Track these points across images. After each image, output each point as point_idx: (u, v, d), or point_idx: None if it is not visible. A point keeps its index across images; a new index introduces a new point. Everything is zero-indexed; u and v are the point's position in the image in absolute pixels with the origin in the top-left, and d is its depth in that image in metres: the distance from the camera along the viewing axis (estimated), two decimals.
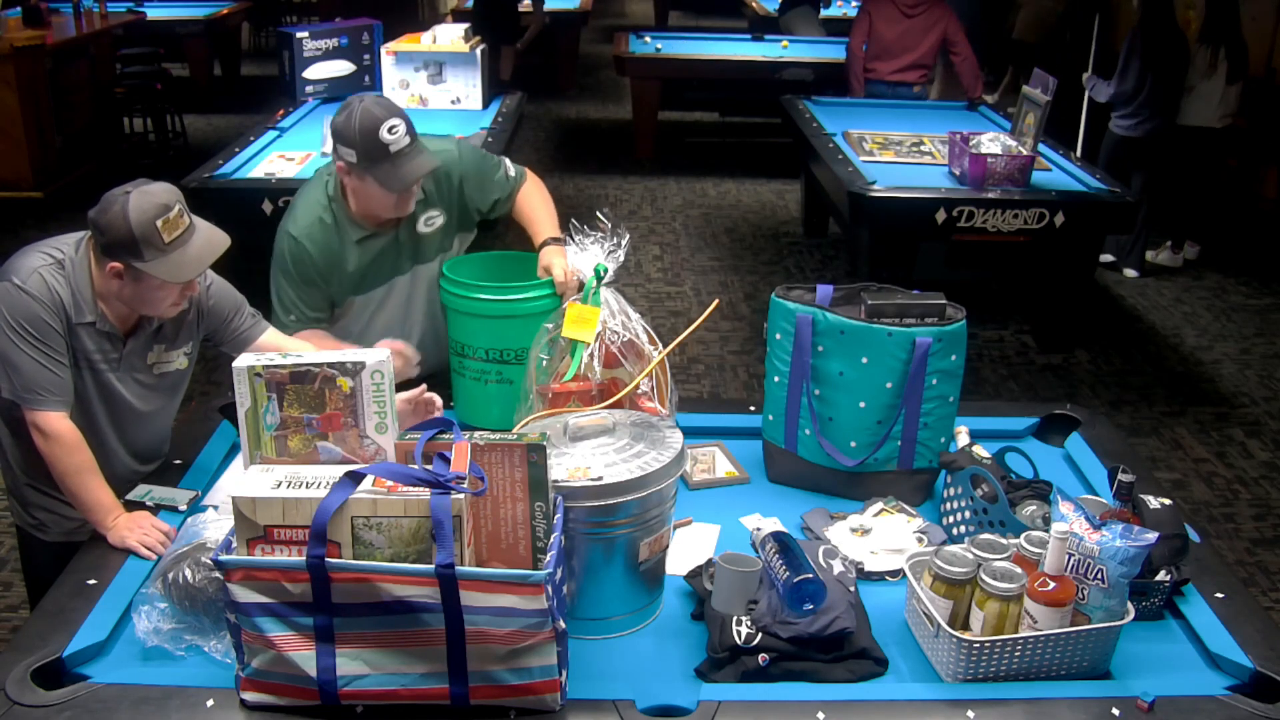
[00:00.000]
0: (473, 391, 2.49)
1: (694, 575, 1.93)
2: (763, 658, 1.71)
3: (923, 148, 5.39)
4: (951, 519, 2.14)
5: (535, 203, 2.77)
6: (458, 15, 8.74)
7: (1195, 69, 6.48)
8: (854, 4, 8.01)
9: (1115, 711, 1.65)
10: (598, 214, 2.42)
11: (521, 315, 2.44)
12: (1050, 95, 4.63)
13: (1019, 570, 1.74)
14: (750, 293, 5.99)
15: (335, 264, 2.58)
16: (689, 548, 2.07)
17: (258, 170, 4.83)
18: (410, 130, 2.44)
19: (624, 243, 2.37)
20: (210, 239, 2.21)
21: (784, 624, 1.73)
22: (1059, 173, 5.14)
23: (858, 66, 6.55)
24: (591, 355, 2.24)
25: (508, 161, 2.82)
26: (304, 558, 1.52)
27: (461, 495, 1.55)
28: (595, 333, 2.24)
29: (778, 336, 2.27)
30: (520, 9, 8.97)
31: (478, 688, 1.58)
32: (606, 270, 2.34)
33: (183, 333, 2.34)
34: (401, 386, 2.09)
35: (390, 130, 2.39)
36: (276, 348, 2.38)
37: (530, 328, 2.40)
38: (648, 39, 8.52)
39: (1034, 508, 2.03)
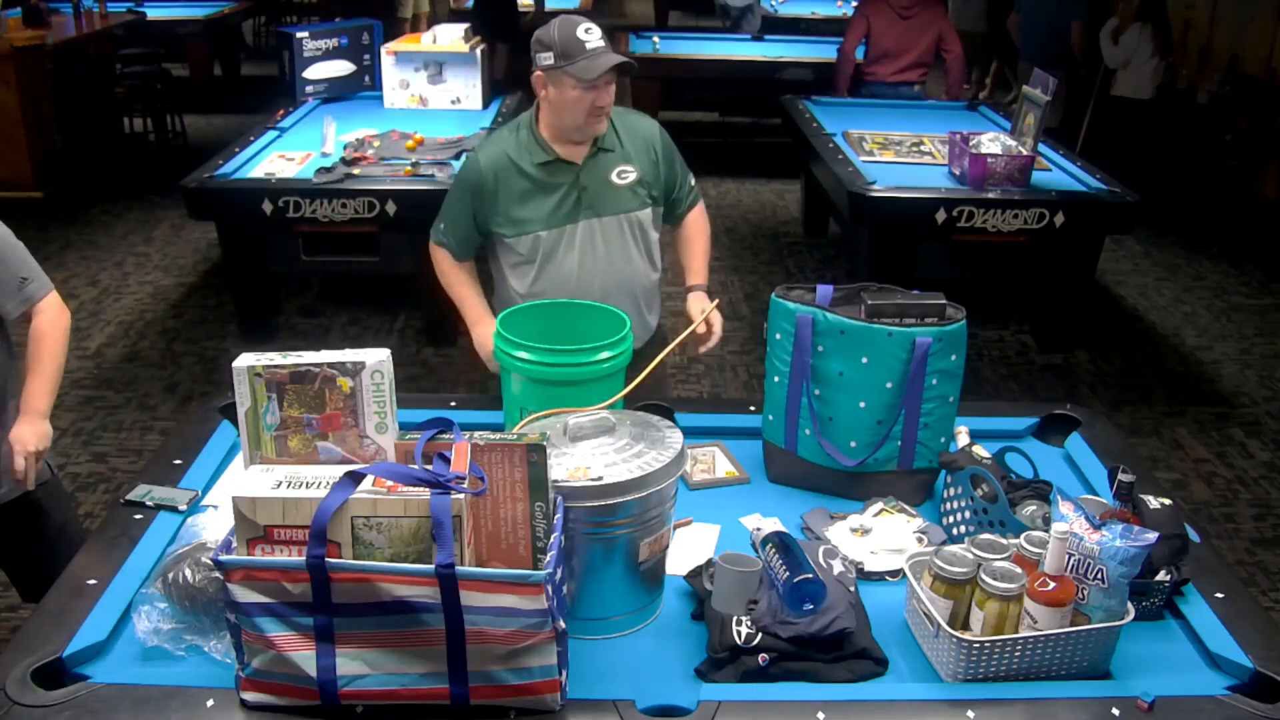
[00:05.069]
0: None
1: (694, 575, 1.93)
2: (763, 658, 1.71)
3: (923, 148, 5.39)
4: (951, 519, 2.14)
5: (702, 239, 2.94)
6: (456, 15, 8.74)
7: (1127, 46, 7.09)
8: (853, 4, 8.02)
9: (1115, 711, 1.64)
10: None
11: (587, 380, 2.20)
12: (1050, 95, 4.63)
13: (1019, 570, 1.74)
14: (750, 293, 5.99)
15: (502, 178, 2.69)
16: (689, 548, 2.07)
17: (258, 170, 4.83)
18: (605, 38, 2.61)
19: None
20: None
21: (784, 624, 1.73)
22: (1059, 173, 5.14)
23: (848, 69, 6.58)
24: None
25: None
26: (304, 558, 1.52)
27: (461, 495, 1.55)
28: None
29: (778, 336, 2.27)
30: (520, 8, 8.97)
31: (478, 688, 1.58)
32: None
33: None
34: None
35: (586, 31, 2.57)
36: (46, 321, 2.49)
37: (596, 393, 2.16)
38: (657, 40, 8.51)
39: (1034, 508, 2.03)
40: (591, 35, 2.58)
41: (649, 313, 2.92)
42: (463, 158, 5.03)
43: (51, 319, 2.51)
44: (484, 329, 2.75)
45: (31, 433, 2.47)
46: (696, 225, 2.95)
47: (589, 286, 2.71)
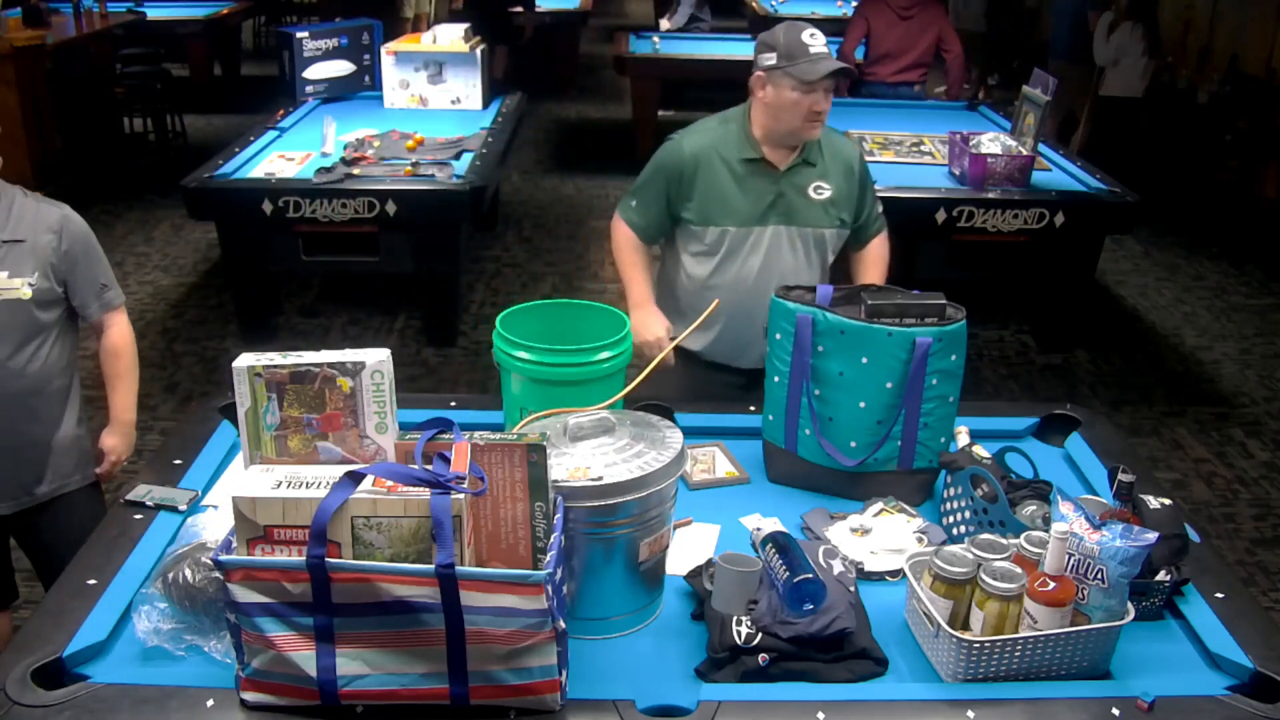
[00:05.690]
0: None
1: (694, 575, 1.93)
2: (763, 658, 1.71)
3: (923, 148, 5.40)
4: (951, 519, 2.14)
5: (880, 263, 2.94)
6: (456, 15, 8.75)
7: (1118, 45, 7.18)
8: (853, 4, 8.03)
9: (1115, 711, 1.64)
10: None
11: (588, 380, 2.18)
12: (1050, 95, 4.63)
13: (1019, 570, 1.74)
14: None
15: (704, 167, 2.73)
16: (689, 548, 2.07)
17: (258, 170, 4.84)
18: (828, 45, 2.66)
19: None
20: None
21: (784, 624, 1.73)
22: (1059, 173, 5.14)
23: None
24: None
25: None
26: (304, 558, 1.52)
27: (461, 495, 1.55)
28: None
29: (778, 336, 2.27)
30: (512, 9, 8.97)
31: (478, 688, 1.58)
32: None
33: (27, 259, 2.45)
34: None
35: (811, 36, 2.62)
36: (120, 334, 2.65)
37: (596, 393, 2.15)
38: (657, 39, 8.51)
39: (1034, 508, 2.03)
40: (815, 40, 2.62)
41: None
42: (463, 158, 5.05)
43: (124, 332, 2.69)
44: (643, 314, 2.80)
45: (125, 443, 2.74)
46: (878, 250, 2.97)
47: (766, 291, 2.66)
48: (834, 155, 2.80)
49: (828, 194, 2.77)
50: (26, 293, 2.45)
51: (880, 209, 2.95)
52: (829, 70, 2.59)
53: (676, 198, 2.77)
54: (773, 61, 2.62)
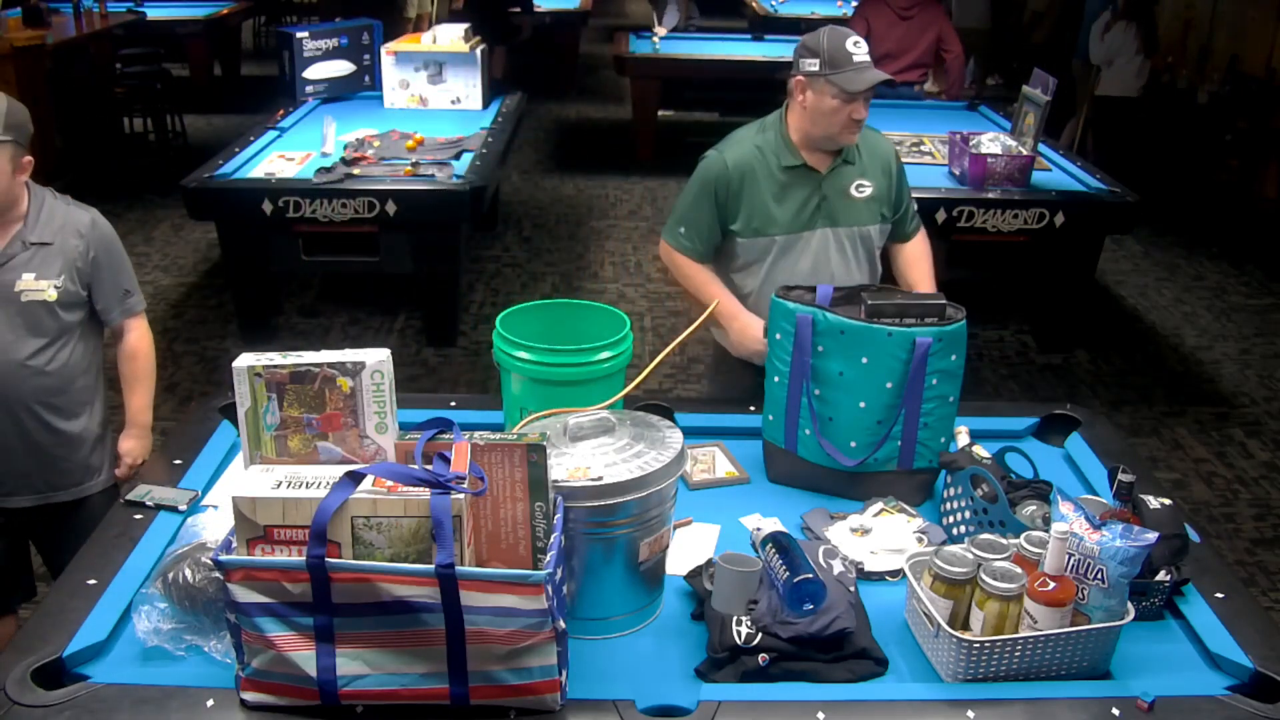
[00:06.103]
0: None
1: (694, 575, 1.93)
2: (763, 658, 1.71)
3: (923, 148, 5.40)
4: (951, 519, 2.14)
5: (925, 260, 2.93)
6: (456, 15, 8.75)
7: (1113, 44, 7.20)
8: (853, 4, 8.03)
9: (1115, 711, 1.65)
10: None
11: (588, 380, 2.18)
12: (1050, 95, 4.63)
13: (1019, 570, 1.74)
14: None
15: (748, 178, 2.70)
16: (689, 548, 2.07)
17: (258, 170, 4.84)
18: (870, 53, 2.65)
19: None
20: None
21: (784, 624, 1.73)
22: (1059, 173, 5.14)
23: None
24: None
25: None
26: (304, 558, 1.52)
27: (461, 495, 1.55)
28: None
29: (778, 336, 2.28)
30: (511, 9, 8.97)
31: (478, 688, 1.58)
32: None
33: (55, 261, 2.47)
34: None
35: (855, 44, 2.61)
36: (139, 338, 2.68)
37: (596, 393, 2.16)
38: (657, 39, 8.51)
39: (1034, 508, 2.03)
40: (859, 49, 2.61)
41: None
42: (463, 158, 5.05)
43: (143, 335, 2.71)
44: (741, 324, 2.75)
45: (141, 447, 2.74)
46: (920, 247, 2.96)
47: None
48: (871, 152, 2.79)
49: (869, 191, 2.77)
50: (52, 295, 2.46)
51: (915, 207, 2.95)
52: (873, 81, 2.58)
53: (725, 212, 2.74)
54: (815, 68, 2.60)
